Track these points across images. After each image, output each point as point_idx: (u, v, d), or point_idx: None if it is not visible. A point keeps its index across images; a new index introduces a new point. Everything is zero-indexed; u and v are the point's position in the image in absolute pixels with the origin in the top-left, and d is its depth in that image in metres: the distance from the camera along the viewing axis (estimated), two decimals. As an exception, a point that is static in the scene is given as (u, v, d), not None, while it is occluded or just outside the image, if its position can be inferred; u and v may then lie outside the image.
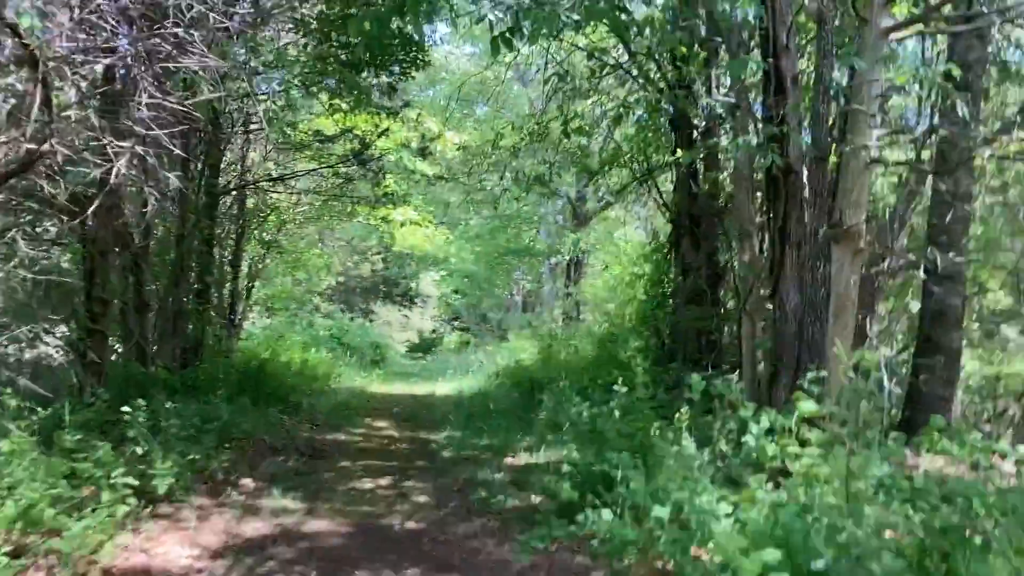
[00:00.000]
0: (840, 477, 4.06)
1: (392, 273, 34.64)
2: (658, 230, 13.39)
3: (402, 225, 14.77)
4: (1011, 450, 6.07)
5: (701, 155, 9.47)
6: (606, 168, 11.35)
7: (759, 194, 9.50)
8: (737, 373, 10.05)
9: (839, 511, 3.68)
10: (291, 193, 13.93)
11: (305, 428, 10.03)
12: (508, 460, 8.43)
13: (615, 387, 7.79)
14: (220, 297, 13.78)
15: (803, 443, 4.97)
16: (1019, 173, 8.80)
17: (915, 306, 8.85)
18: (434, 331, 39.85)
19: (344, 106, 13.36)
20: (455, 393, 14.14)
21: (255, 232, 14.99)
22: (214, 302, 13.43)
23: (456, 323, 36.58)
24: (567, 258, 21.76)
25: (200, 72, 6.85)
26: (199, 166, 11.40)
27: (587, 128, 10.70)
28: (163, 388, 9.53)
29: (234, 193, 13.38)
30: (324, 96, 13.48)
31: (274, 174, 13.45)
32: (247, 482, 7.17)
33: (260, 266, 15.33)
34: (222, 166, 12.90)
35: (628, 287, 15.28)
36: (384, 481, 7.46)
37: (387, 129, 13.30)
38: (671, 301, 12.07)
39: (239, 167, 13.61)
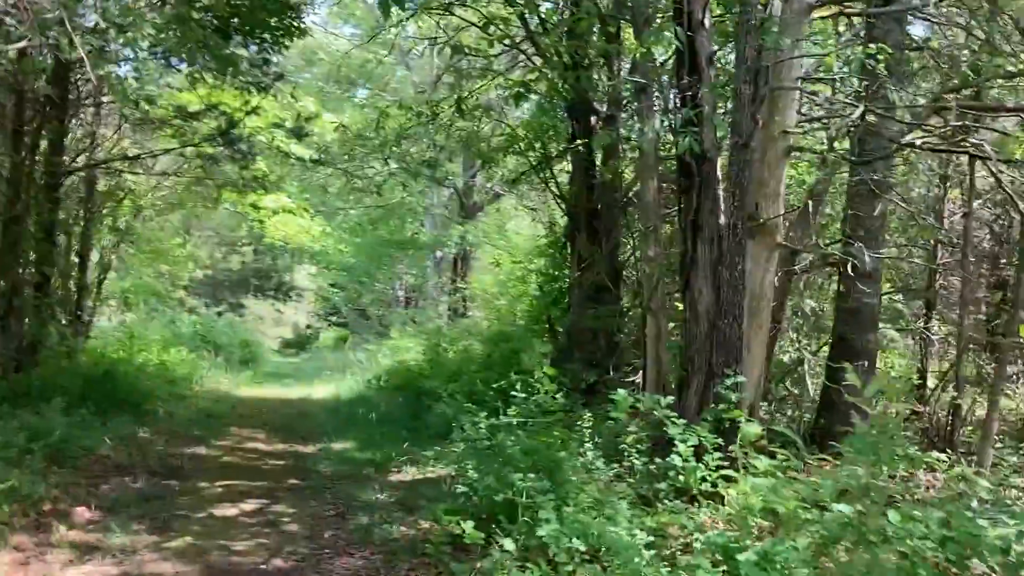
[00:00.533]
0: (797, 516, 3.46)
1: (264, 266, 32.82)
2: (554, 223, 12.75)
3: (275, 213, 13.52)
4: (936, 461, 5.67)
5: (605, 142, 8.81)
6: (500, 155, 10.58)
7: (665, 185, 8.99)
8: (640, 376, 9.56)
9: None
10: (149, 175, 12.47)
11: (160, 441, 8.79)
12: (393, 476, 7.55)
13: (514, 393, 7.08)
14: (65, 291, 12.19)
15: (745, 468, 4.40)
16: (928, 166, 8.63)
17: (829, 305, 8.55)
18: (309, 327, 38.15)
19: (209, 79, 12.09)
20: (332, 398, 13.06)
21: (107, 219, 13.41)
22: (56, 296, 11.86)
23: (333, 319, 35.07)
24: (454, 251, 20.94)
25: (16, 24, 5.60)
26: (35, 140, 9.90)
27: (481, 110, 9.91)
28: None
29: (81, 174, 11.83)
30: (185, 67, 12.21)
31: (129, 153, 11.96)
32: (81, 512, 6.01)
33: (113, 256, 13.74)
34: (68, 143, 11.36)
35: (520, 282, 14.64)
36: (249, 506, 6.44)
37: (258, 107, 12.06)
38: (567, 298, 11.46)
39: (88, 144, 12.05)
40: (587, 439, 6.54)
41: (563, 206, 11.28)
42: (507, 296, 15.66)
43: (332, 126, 14.19)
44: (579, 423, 6.91)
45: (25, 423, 7.50)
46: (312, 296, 37.65)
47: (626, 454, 6.33)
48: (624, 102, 9.72)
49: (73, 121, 10.84)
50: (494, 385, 10.10)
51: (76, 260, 12.36)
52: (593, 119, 10.17)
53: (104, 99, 11.82)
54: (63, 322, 11.98)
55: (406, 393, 11.63)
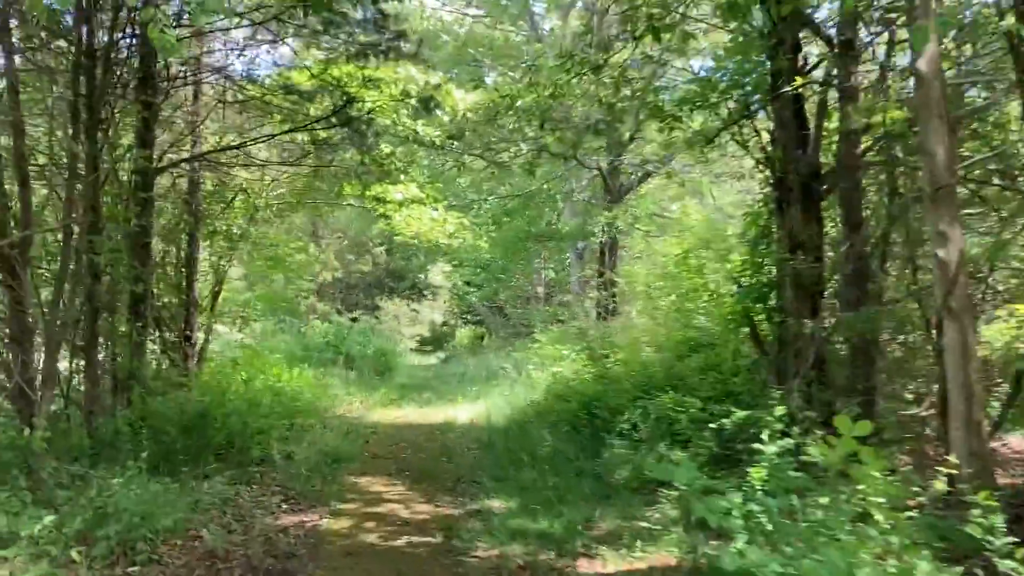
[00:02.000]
0: None
1: (397, 266, 31.38)
2: (742, 199, 10.08)
3: (402, 206, 11.49)
4: None
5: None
6: (689, 108, 8.00)
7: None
8: (926, 406, 6.84)
9: None
10: (254, 165, 10.65)
11: (270, 504, 6.80)
12: (586, 567, 5.20)
13: (762, 440, 4.67)
14: (168, 310, 10.57)
15: None
16: None
17: None
18: (445, 324, 36.64)
19: (318, 52, 10.18)
20: (482, 421, 10.87)
21: (218, 222, 11.75)
22: (157, 316, 10.23)
23: (468, 317, 33.37)
24: (601, 240, 18.45)
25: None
26: (115, 131, 8.16)
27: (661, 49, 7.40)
28: (54, 454, 6.40)
29: (179, 169, 10.14)
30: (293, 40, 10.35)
31: (231, 142, 10.18)
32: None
33: (228, 266, 12.08)
34: (161, 133, 9.67)
35: (694, 274, 12.01)
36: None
37: (378, 78, 10.01)
38: (771, 294, 8.79)
39: (188, 135, 10.36)
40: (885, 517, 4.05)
41: (769, 172, 8.58)
42: (675, 291, 13.06)
43: (464, 103, 11.97)
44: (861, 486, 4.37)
45: (93, 494, 5.66)
46: (447, 294, 36.16)
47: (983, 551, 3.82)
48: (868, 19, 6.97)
49: (162, 105, 9.04)
50: (691, 410, 7.67)
51: (182, 272, 10.70)
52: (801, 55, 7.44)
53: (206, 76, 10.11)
54: (165, 347, 10.35)
55: (572, 418, 9.29)
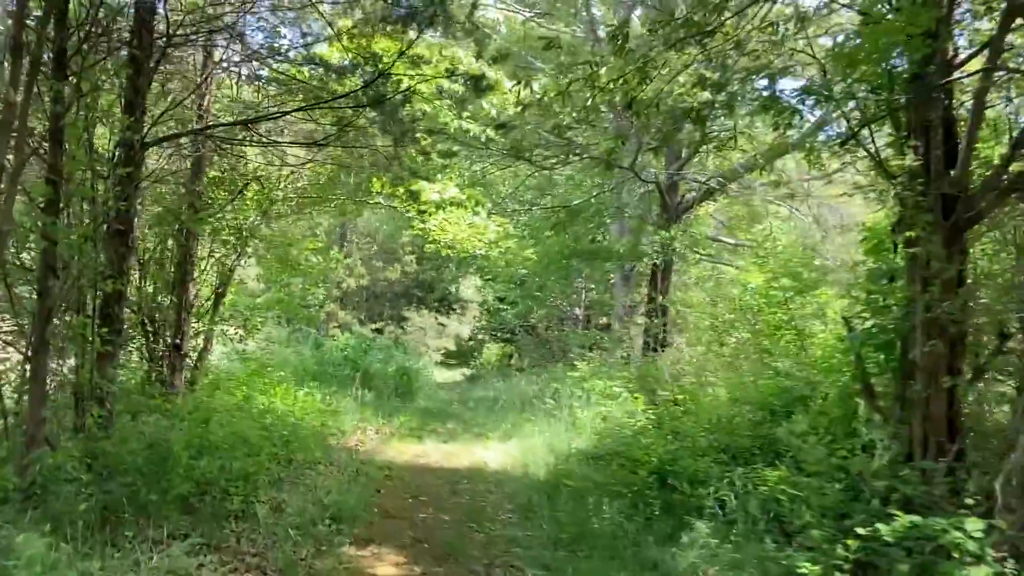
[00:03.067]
0: None
1: (428, 277, 29.74)
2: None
3: (439, 208, 9.81)
4: None
5: None
6: (815, 99, 6.21)
7: None
8: None
9: None
10: (267, 144, 9.00)
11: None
12: None
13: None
14: (157, 314, 8.98)
15: None
16: None
17: None
18: (471, 339, 34.98)
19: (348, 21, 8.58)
20: (518, 473, 9.07)
21: (224, 214, 10.17)
22: (147, 323, 8.65)
23: (498, 334, 31.63)
24: (656, 262, 16.64)
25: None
26: (92, 90, 6.55)
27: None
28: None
29: (184, 144, 8.56)
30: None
31: (237, 117, 8.56)
32: None
33: (232, 264, 10.46)
34: (156, 102, 8.08)
35: (776, 307, 10.22)
36: None
37: (417, 57, 8.38)
38: (895, 342, 6.98)
39: (193, 108, 8.77)
40: None
41: (900, 190, 6.77)
42: (750, 327, 11.25)
43: (514, 94, 10.25)
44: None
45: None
46: (477, 310, 34.51)
47: None
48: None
49: (157, 68, 7.43)
50: (816, 495, 5.83)
51: (171, 271, 9.11)
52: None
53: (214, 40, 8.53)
54: (152, 359, 8.75)
55: (632, 478, 7.48)
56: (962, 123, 6.76)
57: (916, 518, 4.32)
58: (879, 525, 4.34)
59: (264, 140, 8.61)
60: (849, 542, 4.47)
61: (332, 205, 12.21)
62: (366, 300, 28.31)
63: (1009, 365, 6.55)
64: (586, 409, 11.33)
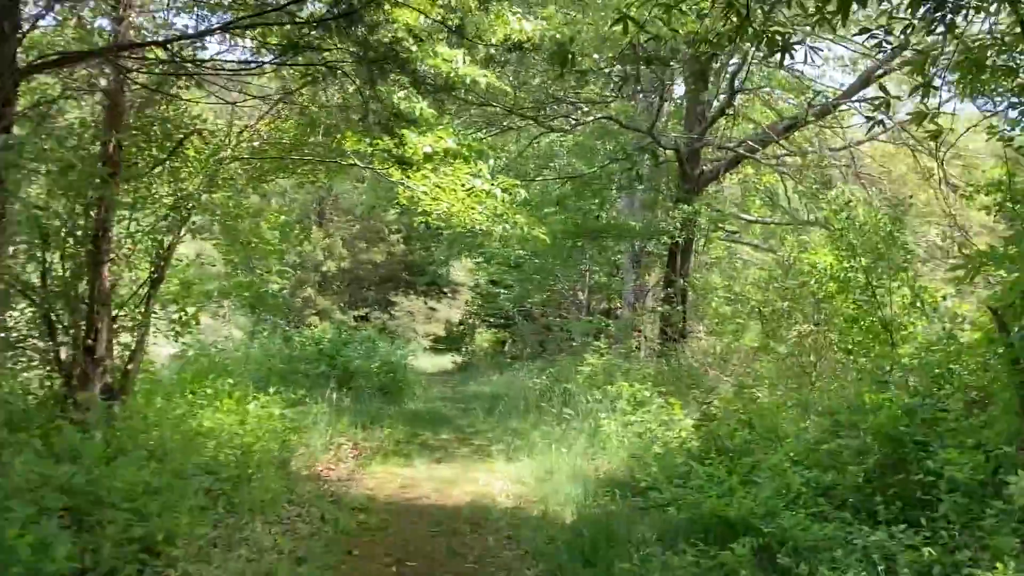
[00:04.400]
0: None
1: (416, 258, 27.49)
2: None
3: (430, 166, 7.61)
4: None
5: None
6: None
7: None
8: None
9: None
10: (189, 73, 6.76)
11: None
12: None
13: None
14: (60, 306, 6.83)
15: None
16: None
17: None
18: (462, 324, 32.94)
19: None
20: (536, 510, 6.92)
21: (162, 177, 8.02)
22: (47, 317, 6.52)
23: (492, 319, 29.56)
24: (677, 240, 14.53)
25: None
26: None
27: None
28: None
29: (85, 71, 6.38)
30: None
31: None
32: None
33: (174, 242, 8.28)
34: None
35: (847, 293, 8.19)
36: None
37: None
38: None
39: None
40: None
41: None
42: (810, 318, 9.19)
43: (518, 31, 8.05)
44: None
45: None
46: (470, 295, 32.40)
47: None
48: None
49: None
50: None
51: (84, 252, 6.95)
52: None
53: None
54: (57, 365, 6.63)
55: (691, 524, 5.44)
56: None
57: None
58: None
59: (189, 67, 6.39)
60: None
61: (298, 170, 10.02)
62: (348, 285, 26.07)
63: None
64: (611, 418, 9.25)
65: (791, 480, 5.45)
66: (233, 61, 6.72)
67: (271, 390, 9.10)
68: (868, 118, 5.33)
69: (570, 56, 5.19)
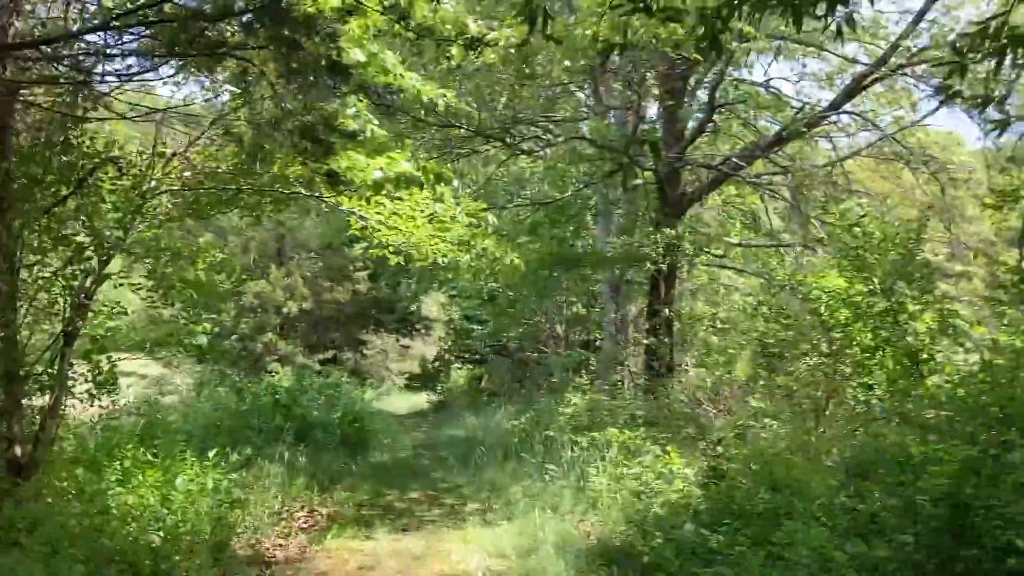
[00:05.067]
0: None
1: (383, 295, 26.27)
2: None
3: (379, 191, 6.52)
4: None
5: None
6: None
7: None
8: None
9: None
10: (78, 82, 5.65)
11: None
12: None
13: None
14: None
15: None
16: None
17: None
18: (437, 361, 31.76)
19: None
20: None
21: (60, 212, 6.94)
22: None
23: (467, 355, 28.42)
24: (658, 267, 13.55)
25: None
26: None
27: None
28: None
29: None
30: None
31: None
32: None
33: (91, 288, 7.14)
34: None
35: (857, 319, 7.26)
36: None
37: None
38: None
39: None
40: None
41: None
42: (814, 346, 8.21)
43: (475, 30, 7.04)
44: None
45: None
46: (442, 330, 31.25)
47: None
48: None
49: None
50: None
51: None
52: None
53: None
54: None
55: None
56: None
57: None
58: None
59: (83, 77, 5.31)
60: None
61: (240, 203, 8.94)
62: (314, 326, 24.78)
63: None
64: (600, 470, 8.17)
65: (834, 556, 4.40)
66: (139, 70, 5.62)
67: (212, 453, 7.91)
68: (939, 89, 4.43)
69: (543, 13, 4.15)
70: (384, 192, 6.51)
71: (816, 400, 7.97)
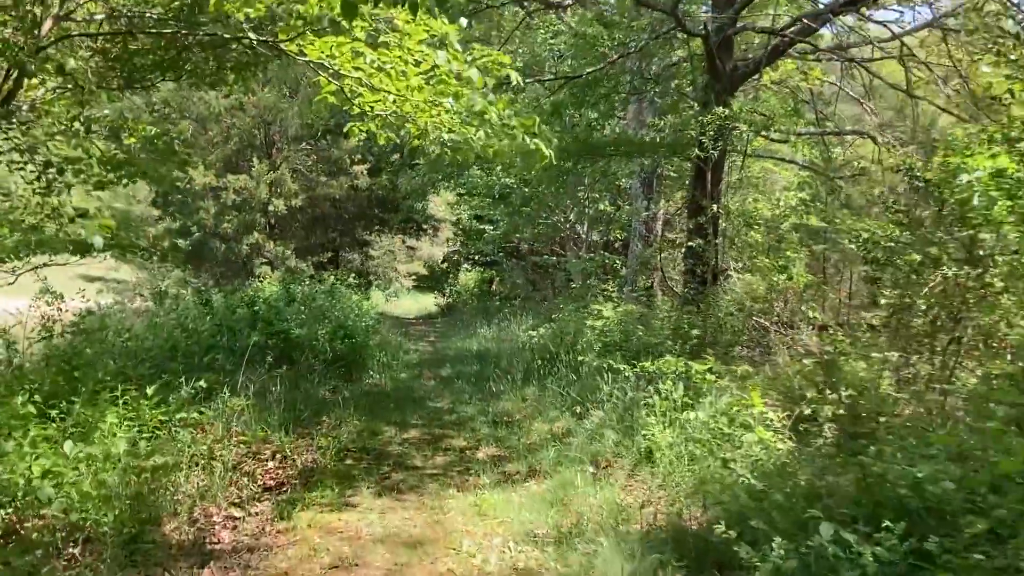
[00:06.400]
0: None
1: (385, 193, 23.98)
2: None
3: (350, 10, 4.39)
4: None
5: None
6: None
7: None
8: None
9: None
10: None
11: None
12: None
13: None
14: None
15: None
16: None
17: None
18: (445, 262, 30.03)
19: None
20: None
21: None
22: None
23: (477, 257, 26.54)
24: (704, 155, 11.33)
25: None
26: None
27: None
28: None
29: None
30: None
31: None
32: None
33: None
34: None
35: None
36: None
37: None
38: None
39: None
40: None
41: None
42: (948, 253, 6.14)
43: None
44: None
45: None
46: (451, 231, 29.28)
47: None
48: None
49: None
50: None
51: None
52: None
53: None
54: None
55: None
56: None
57: None
58: None
59: None
60: None
61: (185, 64, 6.79)
62: (311, 226, 22.63)
63: None
64: (653, 409, 6.28)
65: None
66: None
67: (152, 389, 6.02)
68: None
69: None
70: (360, 16, 4.35)
71: (940, 322, 6.00)
